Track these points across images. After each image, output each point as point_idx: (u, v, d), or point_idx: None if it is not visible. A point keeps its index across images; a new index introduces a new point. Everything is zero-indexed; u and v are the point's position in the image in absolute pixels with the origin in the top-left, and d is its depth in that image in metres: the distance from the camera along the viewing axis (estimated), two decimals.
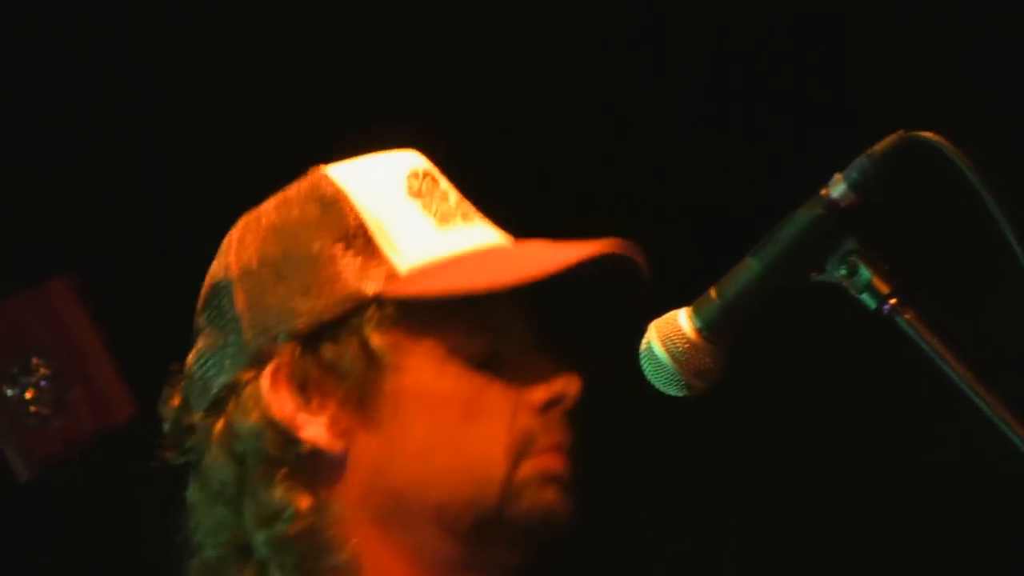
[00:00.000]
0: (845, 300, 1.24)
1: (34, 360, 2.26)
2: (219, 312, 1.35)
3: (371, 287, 1.30)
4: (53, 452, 2.23)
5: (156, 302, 2.45)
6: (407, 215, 1.34)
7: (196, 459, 1.34)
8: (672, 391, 1.27)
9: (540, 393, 1.32)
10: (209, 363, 1.34)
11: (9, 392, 2.23)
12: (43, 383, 2.24)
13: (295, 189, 1.37)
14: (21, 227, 2.69)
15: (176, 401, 1.37)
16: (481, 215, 1.39)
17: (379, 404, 1.30)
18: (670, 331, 1.25)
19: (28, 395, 2.23)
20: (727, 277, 1.26)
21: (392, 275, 1.31)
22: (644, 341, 1.27)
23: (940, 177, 1.20)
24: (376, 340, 1.29)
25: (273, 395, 1.29)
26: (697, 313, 1.25)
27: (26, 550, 2.47)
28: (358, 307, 1.30)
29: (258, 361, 1.30)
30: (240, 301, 1.33)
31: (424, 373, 1.31)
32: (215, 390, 1.33)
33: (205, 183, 2.77)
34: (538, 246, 1.36)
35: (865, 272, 1.22)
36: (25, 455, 2.22)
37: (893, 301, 1.21)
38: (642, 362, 1.27)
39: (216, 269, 1.37)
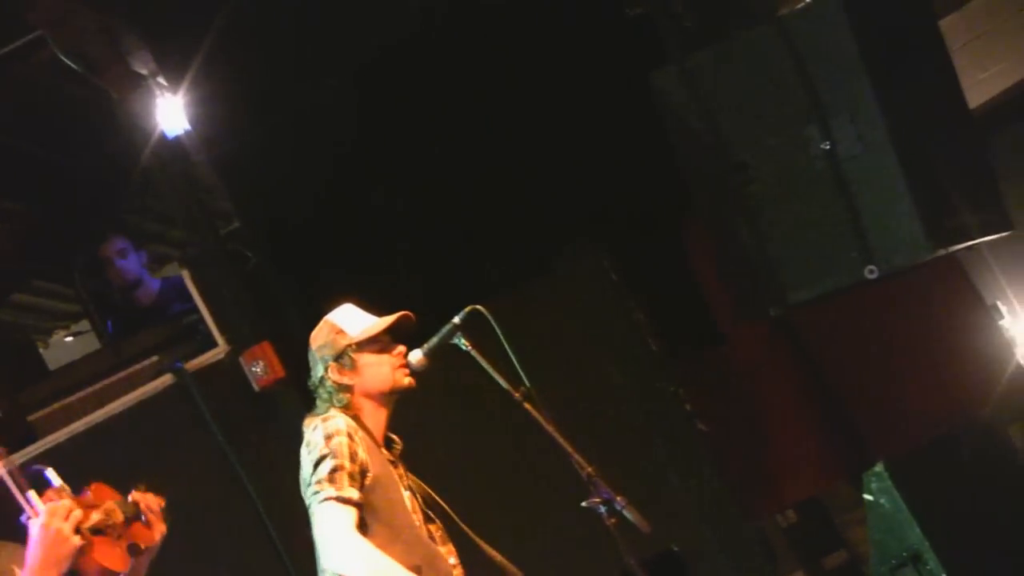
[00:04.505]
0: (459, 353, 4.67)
1: None
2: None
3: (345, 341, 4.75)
4: None
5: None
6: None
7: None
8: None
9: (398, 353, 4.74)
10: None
11: None
12: None
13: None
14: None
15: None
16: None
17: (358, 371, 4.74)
18: (414, 356, 4.68)
19: None
20: (428, 341, 4.67)
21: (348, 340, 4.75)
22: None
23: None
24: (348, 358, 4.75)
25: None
26: (421, 350, 4.67)
27: None
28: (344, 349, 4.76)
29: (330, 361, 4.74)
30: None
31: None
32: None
33: None
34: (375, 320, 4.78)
35: (462, 341, 4.58)
36: None
37: (468, 347, 4.60)
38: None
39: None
